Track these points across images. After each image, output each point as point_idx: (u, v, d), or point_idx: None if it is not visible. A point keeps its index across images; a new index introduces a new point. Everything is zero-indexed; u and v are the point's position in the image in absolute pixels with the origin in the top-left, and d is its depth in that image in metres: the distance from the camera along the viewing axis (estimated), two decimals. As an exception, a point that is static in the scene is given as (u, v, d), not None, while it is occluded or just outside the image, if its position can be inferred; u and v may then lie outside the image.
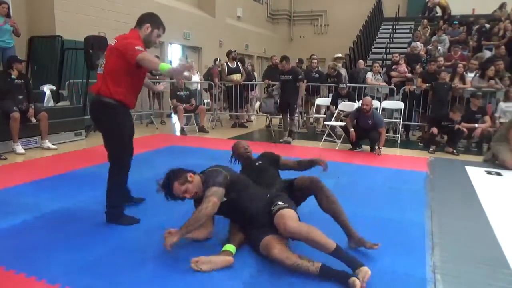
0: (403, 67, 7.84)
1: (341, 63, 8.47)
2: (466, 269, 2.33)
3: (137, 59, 2.56)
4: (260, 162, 3.10)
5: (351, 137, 5.90)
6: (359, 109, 5.96)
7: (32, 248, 2.44)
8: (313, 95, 8.20)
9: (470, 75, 7.15)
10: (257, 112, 9.37)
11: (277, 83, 6.96)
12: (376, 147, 5.81)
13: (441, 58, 7.98)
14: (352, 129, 5.86)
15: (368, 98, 5.94)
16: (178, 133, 7.39)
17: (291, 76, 6.60)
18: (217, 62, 9.53)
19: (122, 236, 2.65)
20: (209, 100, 9.47)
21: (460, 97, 6.95)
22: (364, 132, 5.86)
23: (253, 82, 8.93)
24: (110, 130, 2.84)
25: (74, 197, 3.39)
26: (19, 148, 5.20)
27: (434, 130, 5.89)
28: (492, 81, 6.74)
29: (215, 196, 2.24)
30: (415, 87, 7.30)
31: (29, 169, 4.44)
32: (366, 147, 6.07)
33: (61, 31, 7.10)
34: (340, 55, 8.95)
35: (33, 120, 5.35)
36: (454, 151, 5.93)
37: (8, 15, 6.10)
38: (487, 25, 9.86)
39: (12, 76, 5.31)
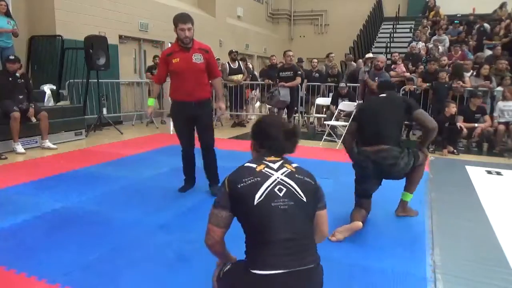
0: (401, 67, 7.83)
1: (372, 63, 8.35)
2: (466, 268, 2.33)
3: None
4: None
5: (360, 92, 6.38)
6: (370, 70, 6.16)
7: (32, 247, 2.44)
8: (313, 94, 8.20)
9: (467, 75, 7.16)
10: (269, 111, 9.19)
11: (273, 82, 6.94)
12: None
13: (444, 58, 7.97)
14: (361, 101, 6.21)
15: (383, 56, 6.44)
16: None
17: (292, 73, 6.59)
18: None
19: (122, 236, 2.65)
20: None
21: (460, 96, 6.94)
22: None
23: (258, 81, 8.91)
24: None
25: (74, 197, 3.39)
26: (20, 148, 5.20)
27: (449, 149, 5.93)
28: (486, 81, 6.76)
29: (208, 222, 1.63)
30: (415, 86, 7.30)
31: (29, 168, 4.44)
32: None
33: (61, 30, 7.10)
34: (371, 55, 8.77)
35: (33, 119, 5.34)
36: (455, 150, 5.93)
37: (7, 13, 6.06)
38: (486, 25, 9.83)
39: (16, 74, 5.31)
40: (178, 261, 2.31)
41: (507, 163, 5.33)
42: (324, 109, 8.12)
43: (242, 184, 1.52)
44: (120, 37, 8.60)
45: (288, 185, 1.53)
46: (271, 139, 1.64)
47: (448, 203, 3.54)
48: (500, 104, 6.28)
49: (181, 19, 3.17)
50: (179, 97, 3.39)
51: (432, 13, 12.23)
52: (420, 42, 9.69)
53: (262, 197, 1.49)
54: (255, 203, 1.48)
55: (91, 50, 6.60)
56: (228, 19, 13.06)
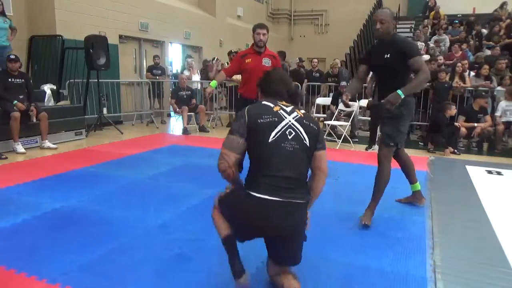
0: None
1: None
2: (466, 268, 2.33)
3: None
4: None
5: (368, 103, 6.30)
6: None
7: (32, 247, 2.44)
8: (314, 94, 8.20)
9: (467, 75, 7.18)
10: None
11: None
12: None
13: (440, 57, 7.96)
14: (371, 98, 6.15)
15: None
16: (179, 132, 7.39)
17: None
18: (214, 61, 9.53)
19: (122, 235, 2.65)
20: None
21: (461, 96, 6.95)
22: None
23: None
24: None
25: (74, 197, 3.39)
26: (20, 148, 5.20)
27: (450, 150, 5.89)
28: (487, 82, 6.77)
29: (223, 147, 1.84)
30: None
31: (29, 168, 4.44)
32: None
33: (61, 30, 7.10)
34: (428, 57, 8.20)
35: (34, 119, 5.32)
36: (455, 150, 5.93)
37: (3, 13, 6.04)
38: (484, 30, 9.74)
39: (17, 81, 5.34)
40: (178, 261, 2.31)
41: (508, 163, 5.32)
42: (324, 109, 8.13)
43: (261, 120, 1.78)
44: (120, 37, 8.60)
45: (297, 130, 1.79)
46: (277, 95, 1.92)
47: (448, 203, 3.53)
48: (503, 104, 6.29)
49: (258, 26, 3.90)
50: (245, 93, 3.89)
51: (433, 13, 12.23)
52: (419, 42, 9.68)
53: (276, 136, 1.75)
54: (270, 140, 1.75)
55: (91, 50, 6.60)
56: (228, 19, 13.06)
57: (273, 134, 1.75)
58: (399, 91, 2.64)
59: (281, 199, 1.70)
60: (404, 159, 3.30)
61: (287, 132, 1.77)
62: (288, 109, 1.85)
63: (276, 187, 1.71)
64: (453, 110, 6.02)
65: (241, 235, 1.91)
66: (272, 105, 1.84)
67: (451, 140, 6.01)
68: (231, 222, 1.87)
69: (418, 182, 3.39)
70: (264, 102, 1.87)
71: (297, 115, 1.84)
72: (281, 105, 1.85)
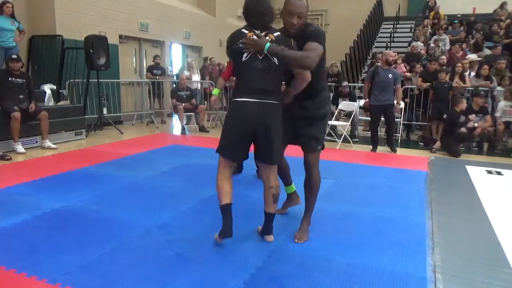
0: (401, 67, 7.82)
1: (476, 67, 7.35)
2: (466, 268, 2.32)
3: None
4: None
5: (365, 105, 6.20)
6: (377, 66, 6.05)
7: (32, 247, 2.44)
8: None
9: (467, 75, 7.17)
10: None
11: None
12: (396, 103, 5.93)
13: (443, 57, 7.95)
14: (368, 100, 5.98)
15: (391, 51, 6.23)
16: (178, 132, 7.40)
17: None
18: (208, 61, 9.53)
19: (122, 235, 2.65)
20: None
21: (461, 96, 6.94)
22: (381, 109, 5.83)
23: None
24: None
25: (74, 197, 3.39)
26: (20, 148, 5.20)
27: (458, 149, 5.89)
28: (487, 82, 6.77)
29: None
30: (415, 86, 7.30)
31: (29, 168, 4.44)
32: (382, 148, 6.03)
33: (61, 30, 7.10)
34: (475, 57, 7.91)
35: (31, 110, 5.29)
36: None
37: (12, 15, 6.11)
38: (479, 37, 9.64)
39: (18, 80, 5.36)
40: (178, 261, 2.31)
41: (507, 163, 5.33)
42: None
43: (235, 46, 2.24)
44: (120, 37, 8.60)
45: None
46: (256, 25, 2.25)
47: (449, 203, 3.53)
48: (502, 104, 6.29)
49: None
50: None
51: (432, 13, 12.23)
52: (418, 42, 9.68)
53: (248, 57, 2.21)
54: (243, 60, 2.22)
55: (91, 50, 6.61)
56: (229, 19, 13.05)
57: (245, 55, 2.20)
58: (267, 44, 2.17)
59: (255, 100, 2.21)
60: (285, 161, 2.97)
61: (258, 54, 2.19)
62: (261, 34, 2.20)
63: (250, 94, 2.21)
64: (464, 104, 6.02)
65: (232, 145, 2.37)
66: (247, 31, 2.22)
67: (460, 141, 6.03)
68: (225, 134, 2.41)
69: (293, 183, 3.06)
70: (242, 30, 2.26)
71: (268, 39, 2.18)
72: (255, 31, 2.20)
